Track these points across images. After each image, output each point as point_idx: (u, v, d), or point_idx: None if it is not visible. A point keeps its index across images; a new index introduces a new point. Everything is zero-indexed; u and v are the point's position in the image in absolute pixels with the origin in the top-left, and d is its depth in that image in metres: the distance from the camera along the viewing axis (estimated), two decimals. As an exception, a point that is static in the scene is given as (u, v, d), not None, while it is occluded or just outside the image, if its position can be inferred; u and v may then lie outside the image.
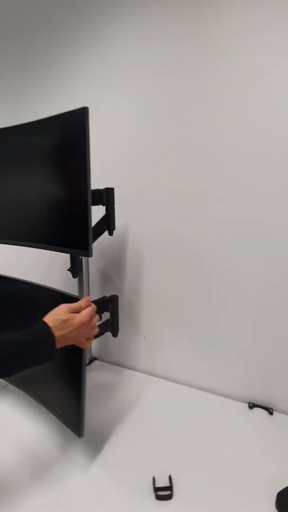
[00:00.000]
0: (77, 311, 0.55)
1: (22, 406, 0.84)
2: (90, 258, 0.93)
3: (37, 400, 0.79)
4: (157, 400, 0.84)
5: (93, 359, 1.06)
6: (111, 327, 0.88)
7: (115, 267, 0.97)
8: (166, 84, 0.76)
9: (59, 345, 0.51)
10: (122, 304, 0.92)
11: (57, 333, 0.51)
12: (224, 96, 0.70)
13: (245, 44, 0.65)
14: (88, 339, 0.57)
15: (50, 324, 0.51)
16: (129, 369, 1.00)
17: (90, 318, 0.55)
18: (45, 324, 0.51)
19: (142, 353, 0.98)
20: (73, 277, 0.90)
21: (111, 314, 0.88)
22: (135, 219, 0.90)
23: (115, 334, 0.89)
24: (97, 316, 0.58)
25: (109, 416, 0.78)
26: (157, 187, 0.84)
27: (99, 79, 0.85)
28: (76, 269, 0.88)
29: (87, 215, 0.57)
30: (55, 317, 0.53)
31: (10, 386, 0.90)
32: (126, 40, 0.79)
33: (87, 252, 0.61)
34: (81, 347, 0.58)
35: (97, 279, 1.01)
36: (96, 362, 1.05)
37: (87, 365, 1.01)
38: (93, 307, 0.57)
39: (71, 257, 0.88)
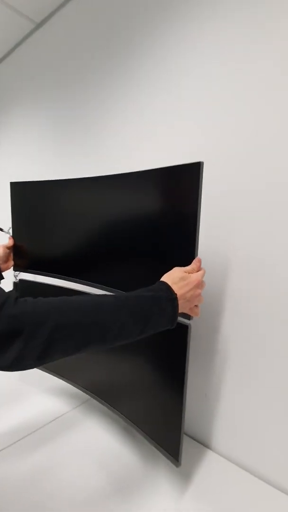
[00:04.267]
0: (189, 272, 0.54)
1: (105, 419, 0.89)
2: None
3: (123, 417, 0.77)
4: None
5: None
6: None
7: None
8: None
9: (179, 306, 0.50)
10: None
11: (177, 291, 0.50)
12: None
13: None
14: (196, 306, 0.56)
15: (169, 282, 0.51)
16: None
17: (202, 280, 0.55)
18: (164, 282, 0.51)
19: (195, 415, 0.85)
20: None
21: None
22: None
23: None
24: (204, 283, 0.57)
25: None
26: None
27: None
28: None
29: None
30: (171, 276, 0.53)
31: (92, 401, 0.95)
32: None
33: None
34: (192, 314, 0.57)
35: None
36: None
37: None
38: (204, 270, 0.56)
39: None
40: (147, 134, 0.90)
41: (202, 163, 0.52)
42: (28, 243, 0.93)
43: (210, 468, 0.74)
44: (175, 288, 0.51)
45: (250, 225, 0.69)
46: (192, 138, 0.79)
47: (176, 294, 0.50)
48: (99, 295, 0.48)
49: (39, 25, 1.29)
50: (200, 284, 0.54)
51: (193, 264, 0.55)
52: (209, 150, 0.75)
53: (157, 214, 0.61)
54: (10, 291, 0.42)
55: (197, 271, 0.55)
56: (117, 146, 1.00)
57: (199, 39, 0.76)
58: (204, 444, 0.83)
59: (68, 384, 1.04)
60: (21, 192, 0.93)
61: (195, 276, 0.54)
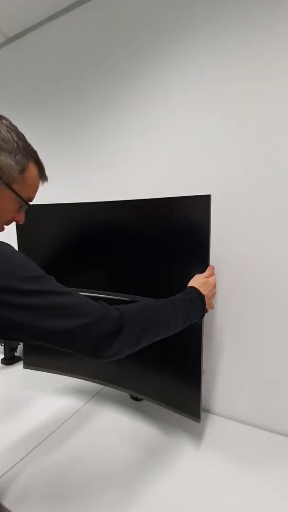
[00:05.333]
0: (207, 277, 0.73)
1: (119, 405, 1.05)
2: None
3: (142, 395, 0.94)
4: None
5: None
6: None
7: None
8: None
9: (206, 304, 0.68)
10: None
11: (203, 292, 0.69)
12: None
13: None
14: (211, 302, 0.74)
15: (197, 286, 0.69)
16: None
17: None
18: (194, 287, 0.69)
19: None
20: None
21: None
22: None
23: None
24: None
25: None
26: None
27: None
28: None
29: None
30: (197, 281, 0.71)
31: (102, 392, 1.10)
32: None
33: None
34: (209, 309, 0.74)
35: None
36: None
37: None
38: (215, 275, 0.76)
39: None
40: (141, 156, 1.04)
41: (210, 196, 0.70)
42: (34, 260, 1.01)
43: (215, 426, 0.96)
44: (201, 290, 0.69)
45: (237, 236, 0.90)
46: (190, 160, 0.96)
47: (203, 295, 0.67)
48: (159, 300, 0.64)
49: (10, 40, 1.30)
50: (215, 285, 0.74)
51: (208, 271, 0.74)
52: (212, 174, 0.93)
53: (175, 233, 0.78)
54: (102, 302, 0.55)
55: (212, 275, 0.73)
56: (111, 169, 1.12)
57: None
58: (205, 410, 1.04)
59: (73, 383, 1.16)
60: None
61: (212, 280, 0.73)
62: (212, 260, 0.91)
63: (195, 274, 0.74)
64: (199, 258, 0.74)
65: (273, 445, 0.87)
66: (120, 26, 1.03)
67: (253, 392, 0.95)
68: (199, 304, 0.67)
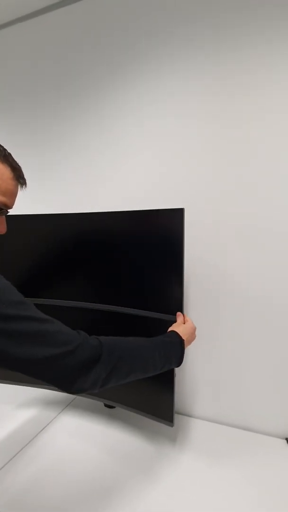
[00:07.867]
0: (184, 323, 0.75)
1: (93, 413, 1.06)
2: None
3: (116, 403, 0.94)
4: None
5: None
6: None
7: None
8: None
9: (184, 346, 0.68)
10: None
11: (183, 336, 0.69)
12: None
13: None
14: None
15: (177, 331, 0.70)
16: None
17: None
18: (174, 331, 0.70)
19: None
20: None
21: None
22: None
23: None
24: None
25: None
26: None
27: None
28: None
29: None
30: (178, 327, 0.72)
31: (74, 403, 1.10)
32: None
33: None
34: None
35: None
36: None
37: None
38: (190, 320, 0.77)
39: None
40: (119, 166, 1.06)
41: (183, 209, 0.74)
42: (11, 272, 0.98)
43: (186, 426, 1.01)
44: (181, 335, 0.69)
45: (207, 248, 0.96)
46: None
47: (183, 339, 0.68)
48: (139, 338, 0.64)
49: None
50: (195, 329, 0.75)
51: (179, 317, 0.76)
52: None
53: (149, 245, 0.81)
54: (80, 330, 0.54)
55: (187, 320, 0.76)
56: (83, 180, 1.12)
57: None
58: (176, 412, 1.07)
59: (44, 394, 1.14)
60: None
61: (191, 324, 0.75)
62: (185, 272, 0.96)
63: (169, 286, 0.78)
64: (173, 269, 0.77)
65: (237, 439, 0.94)
66: (102, 32, 1.05)
67: (217, 394, 1.01)
68: (178, 348, 0.66)
